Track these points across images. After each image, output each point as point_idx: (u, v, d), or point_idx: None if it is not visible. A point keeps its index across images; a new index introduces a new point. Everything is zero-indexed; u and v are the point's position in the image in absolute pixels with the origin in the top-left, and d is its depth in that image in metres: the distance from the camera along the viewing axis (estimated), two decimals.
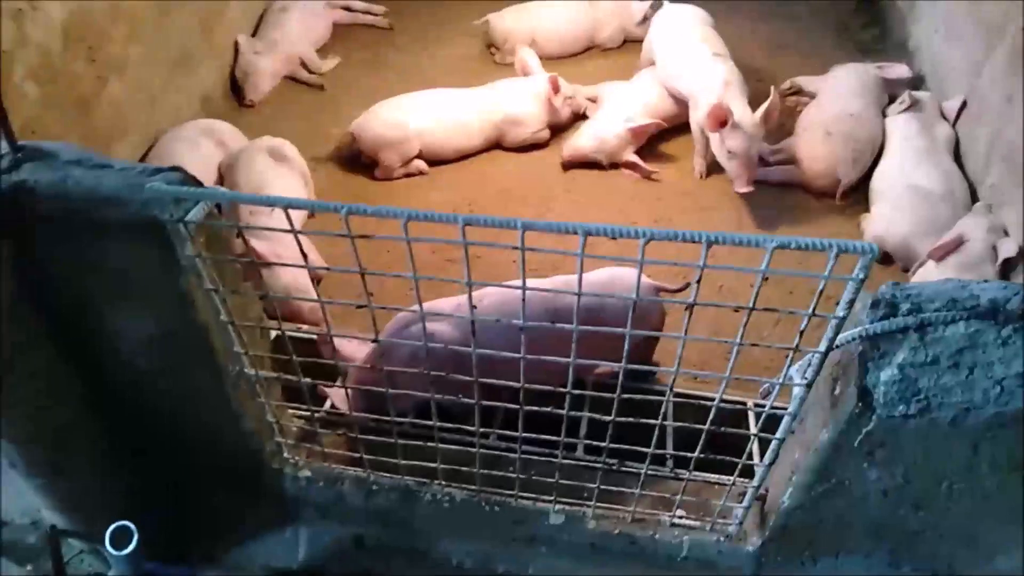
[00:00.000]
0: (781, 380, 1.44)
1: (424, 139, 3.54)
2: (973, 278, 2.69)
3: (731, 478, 1.68)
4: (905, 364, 1.33)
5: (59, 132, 2.80)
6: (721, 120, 3.12)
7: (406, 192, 3.54)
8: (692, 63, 3.43)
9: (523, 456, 1.72)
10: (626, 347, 1.39)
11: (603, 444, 1.64)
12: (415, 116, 3.53)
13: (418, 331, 2.03)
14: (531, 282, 1.96)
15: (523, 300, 1.33)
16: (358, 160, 3.61)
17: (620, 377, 1.44)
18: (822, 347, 1.33)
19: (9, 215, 1.40)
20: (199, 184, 1.50)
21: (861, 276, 1.19)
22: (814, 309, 1.25)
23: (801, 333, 1.32)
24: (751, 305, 1.28)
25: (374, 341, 1.50)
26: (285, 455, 1.94)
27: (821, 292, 1.23)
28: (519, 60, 3.96)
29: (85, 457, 1.77)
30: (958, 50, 3.56)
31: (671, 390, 1.52)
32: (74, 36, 2.82)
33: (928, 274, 2.81)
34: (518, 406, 1.57)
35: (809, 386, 1.41)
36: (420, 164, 3.58)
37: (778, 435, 1.52)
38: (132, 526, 1.62)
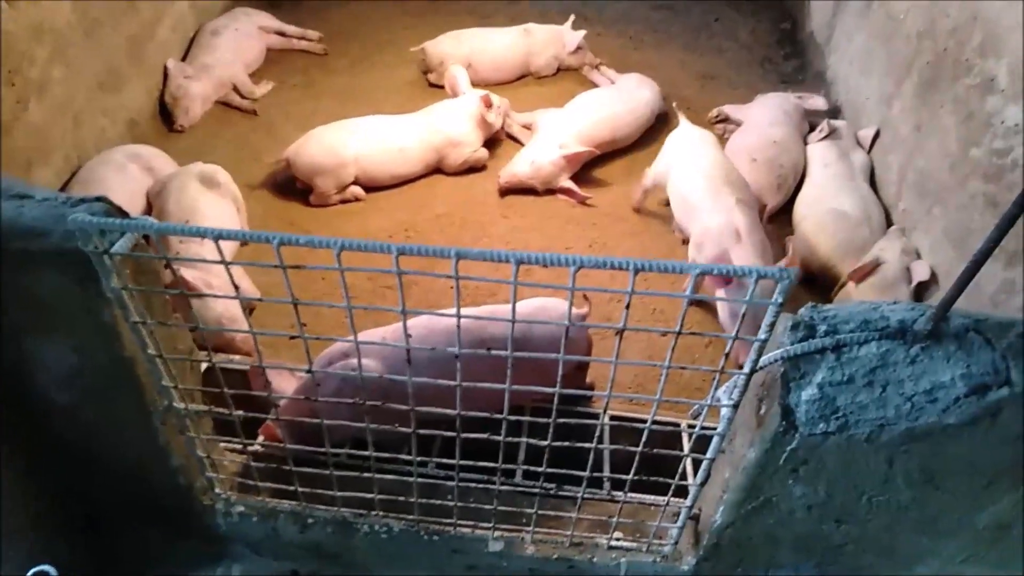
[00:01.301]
0: (709, 401, 1.49)
1: (360, 165, 3.53)
2: (889, 298, 2.85)
3: (662, 498, 1.72)
4: (824, 383, 1.39)
5: None
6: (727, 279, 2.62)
7: (342, 218, 3.51)
8: (709, 204, 2.96)
9: (461, 484, 1.73)
10: (559, 374, 1.41)
11: (540, 469, 1.65)
12: (351, 142, 3.52)
13: (345, 364, 2.03)
14: (462, 311, 1.96)
15: (458, 328, 1.34)
16: (293, 186, 3.57)
17: (555, 402, 1.47)
18: (746, 369, 1.38)
19: None
20: (124, 214, 1.47)
21: (780, 300, 1.25)
22: (737, 332, 1.30)
23: (726, 355, 1.37)
24: (678, 329, 1.32)
25: (307, 372, 1.48)
26: (217, 490, 1.89)
27: (743, 316, 1.28)
28: (449, 77, 4.01)
29: (4, 496, 1.69)
30: (871, 82, 3.77)
31: (604, 414, 1.55)
32: None
33: (848, 295, 2.95)
34: (454, 434, 1.57)
35: (736, 407, 1.46)
36: (356, 190, 3.56)
37: (708, 455, 1.57)
38: (52, 570, 1.55)
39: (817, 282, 3.24)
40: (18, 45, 2.85)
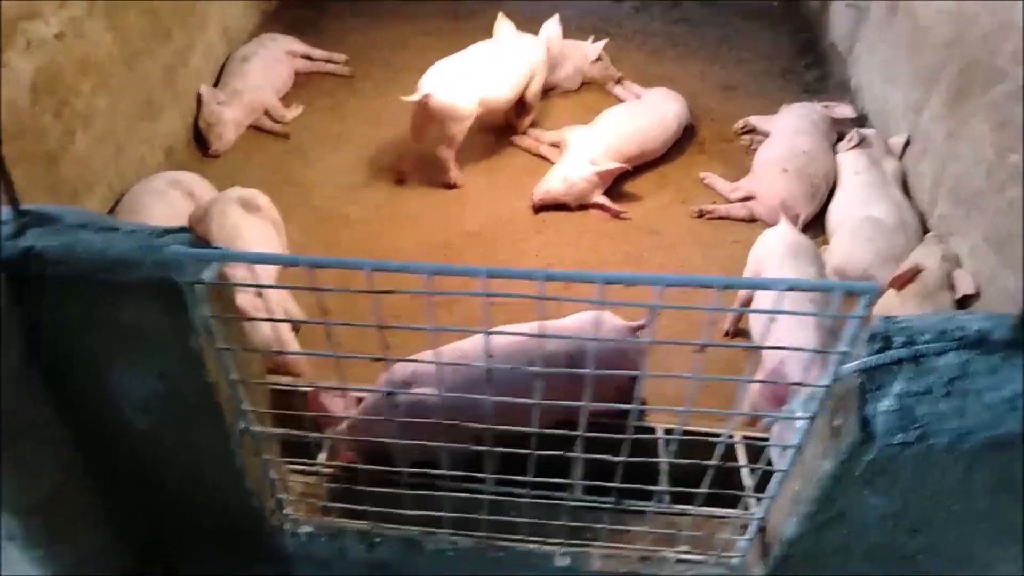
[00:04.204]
0: (784, 414, 1.50)
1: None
2: (932, 305, 2.86)
3: (735, 511, 1.73)
4: (902, 394, 1.40)
5: (25, 187, 2.69)
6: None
7: (378, 237, 3.55)
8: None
9: (530, 500, 1.74)
10: (619, 393, 1.43)
11: (609, 484, 1.67)
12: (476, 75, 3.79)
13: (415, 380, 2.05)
14: (517, 328, 1.99)
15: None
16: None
17: (628, 418, 1.49)
18: (826, 381, 1.40)
19: (18, 281, 1.37)
20: (208, 244, 1.50)
21: (863, 314, 1.27)
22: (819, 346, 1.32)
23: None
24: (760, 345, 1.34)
25: (389, 394, 1.51)
26: (286, 511, 1.91)
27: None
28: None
29: (83, 523, 1.72)
30: (897, 91, 3.79)
31: (669, 432, 1.56)
32: (43, 91, 2.78)
33: (890, 303, 2.95)
34: (527, 451, 1.59)
35: (812, 419, 1.48)
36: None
37: (783, 467, 1.58)
38: None
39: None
40: (66, 79, 2.91)
